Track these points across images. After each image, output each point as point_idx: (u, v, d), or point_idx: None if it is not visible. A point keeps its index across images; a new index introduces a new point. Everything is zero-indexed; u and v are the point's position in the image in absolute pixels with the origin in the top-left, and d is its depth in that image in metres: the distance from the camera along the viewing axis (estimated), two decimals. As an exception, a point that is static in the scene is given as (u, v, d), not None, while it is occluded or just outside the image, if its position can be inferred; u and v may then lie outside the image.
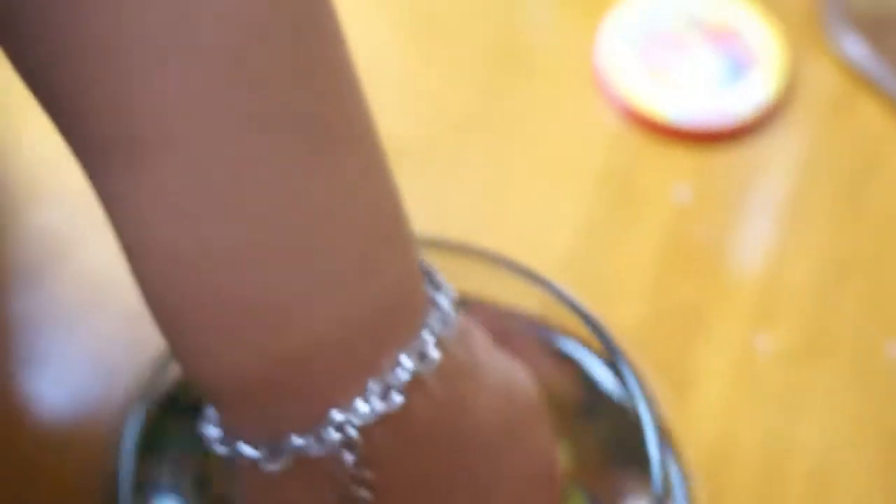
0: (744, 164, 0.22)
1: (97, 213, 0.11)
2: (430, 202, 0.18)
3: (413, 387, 0.11)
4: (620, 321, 0.18)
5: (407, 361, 0.11)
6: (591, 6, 0.24)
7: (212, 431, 0.12)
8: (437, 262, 0.13)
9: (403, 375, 0.11)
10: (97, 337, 0.19)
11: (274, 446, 0.11)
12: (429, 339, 0.12)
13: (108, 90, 0.10)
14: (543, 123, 0.24)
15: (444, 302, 0.12)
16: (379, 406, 0.11)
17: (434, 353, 0.11)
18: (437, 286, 0.12)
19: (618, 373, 0.17)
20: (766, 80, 0.24)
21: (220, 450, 0.12)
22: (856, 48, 0.24)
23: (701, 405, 0.19)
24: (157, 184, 0.10)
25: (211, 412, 0.12)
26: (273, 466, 0.11)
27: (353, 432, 0.11)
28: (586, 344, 0.17)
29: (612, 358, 0.17)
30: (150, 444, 0.15)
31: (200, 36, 0.10)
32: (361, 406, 0.11)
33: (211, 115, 0.10)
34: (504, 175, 0.21)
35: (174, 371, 0.15)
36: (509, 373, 0.14)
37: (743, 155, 0.22)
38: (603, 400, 0.17)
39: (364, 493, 0.12)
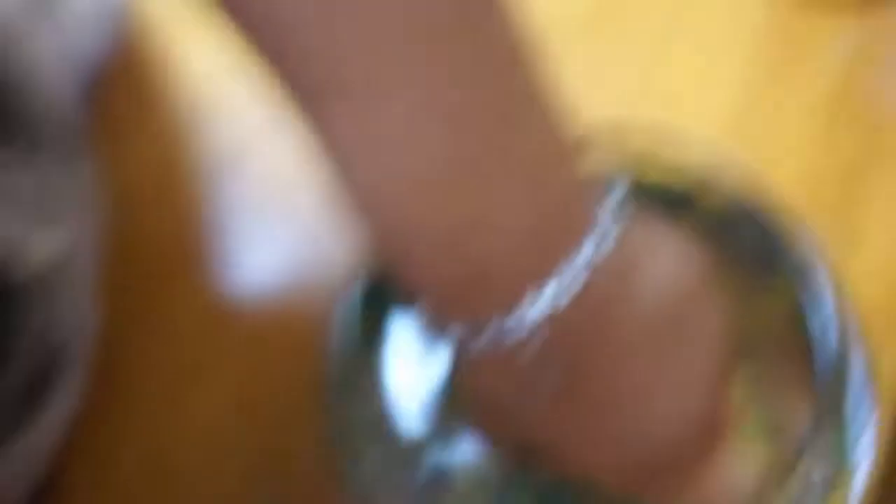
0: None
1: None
2: (597, 73, 0.18)
3: (589, 277, 0.13)
4: (786, 178, 0.18)
5: (586, 250, 0.13)
6: None
7: (422, 318, 0.14)
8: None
9: (580, 267, 0.13)
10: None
11: (475, 328, 0.13)
12: (602, 231, 0.13)
13: (329, 49, 0.12)
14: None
15: (612, 202, 0.13)
16: (560, 294, 0.13)
17: (607, 244, 0.13)
18: (610, 187, 0.13)
19: (787, 238, 0.17)
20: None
21: (432, 332, 0.14)
22: None
23: (869, 261, 0.19)
24: (373, 123, 0.12)
25: (420, 302, 0.14)
26: (475, 345, 0.13)
27: (538, 317, 0.12)
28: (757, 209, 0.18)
29: (784, 221, 0.17)
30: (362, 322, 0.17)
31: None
32: (545, 293, 0.12)
33: (408, 65, 0.12)
34: (665, 41, 0.21)
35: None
36: (677, 265, 0.15)
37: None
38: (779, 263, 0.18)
39: (548, 372, 0.13)
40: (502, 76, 0.13)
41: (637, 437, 0.14)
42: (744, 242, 0.18)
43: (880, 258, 0.20)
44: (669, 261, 0.14)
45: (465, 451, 0.16)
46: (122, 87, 0.24)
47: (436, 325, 0.14)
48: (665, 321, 0.14)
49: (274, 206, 0.21)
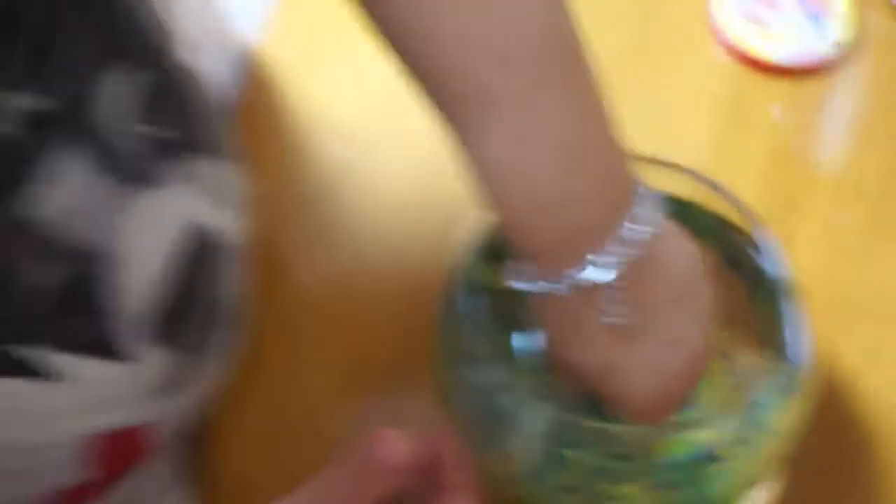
0: (825, 89, 0.31)
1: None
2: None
3: (639, 246, 0.20)
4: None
5: (640, 221, 0.20)
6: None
7: (520, 274, 0.22)
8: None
9: (638, 231, 0.20)
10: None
11: (563, 279, 0.21)
12: (649, 208, 0.21)
13: (468, 67, 0.19)
14: (672, 60, 0.32)
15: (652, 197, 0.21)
16: (620, 256, 0.20)
17: (654, 217, 0.21)
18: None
19: (751, 238, 0.25)
20: (840, 27, 0.32)
21: (528, 286, 0.21)
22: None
23: (801, 261, 0.28)
24: (495, 135, 0.20)
25: (518, 263, 0.21)
26: (563, 291, 0.21)
27: (607, 269, 0.20)
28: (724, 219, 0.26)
29: (751, 226, 0.25)
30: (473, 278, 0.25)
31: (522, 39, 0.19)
32: (610, 254, 0.20)
33: (530, 83, 0.19)
34: (644, 102, 0.29)
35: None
36: (687, 249, 0.22)
37: (823, 82, 0.31)
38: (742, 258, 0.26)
39: (616, 307, 0.21)
40: (597, 98, 0.20)
41: (663, 363, 0.22)
42: (727, 245, 0.26)
43: (807, 263, 0.28)
44: (682, 245, 0.22)
45: (537, 386, 0.24)
46: (250, 111, 0.31)
47: (531, 276, 0.21)
48: (682, 284, 0.22)
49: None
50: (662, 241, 0.21)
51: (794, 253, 0.28)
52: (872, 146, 0.30)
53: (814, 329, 0.23)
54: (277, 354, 0.28)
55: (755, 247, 0.25)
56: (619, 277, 0.20)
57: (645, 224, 0.20)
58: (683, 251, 0.22)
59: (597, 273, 0.20)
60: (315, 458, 0.19)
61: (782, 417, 0.23)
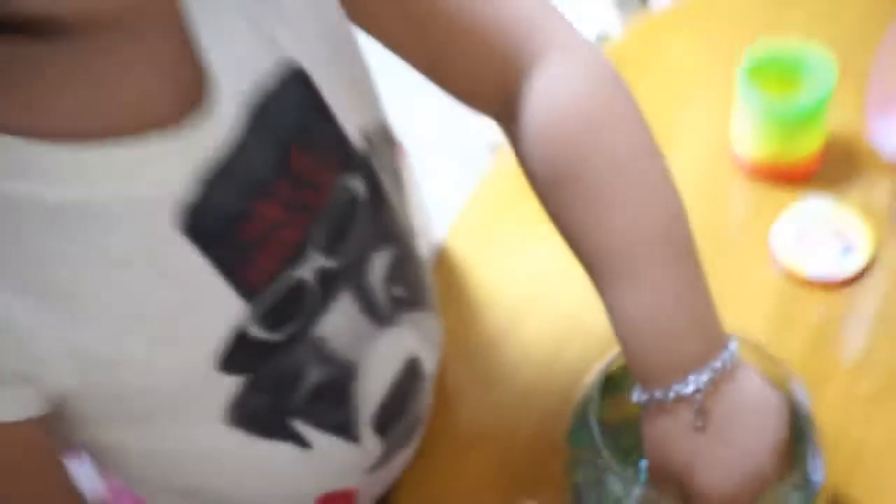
0: (853, 300, 0.42)
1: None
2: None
3: (726, 369, 0.31)
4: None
5: (725, 356, 0.32)
6: (769, 210, 0.47)
7: (638, 393, 0.33)
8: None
9: (724, 362, 0.31)
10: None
11: (667, 393, 0.31)
12: (731, 349, 0.32)
13: (618, 250, 0.33)
14: (735, 274, 0.45)
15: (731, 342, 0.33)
16: (710, 376, 0.31)
17: (727, 359, 0.32)
18: None
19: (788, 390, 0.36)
20: (863, 255, 0.44)
21: (642, 399, 0.33)
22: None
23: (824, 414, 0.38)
24: (634, 292, 0.33)
25: (639, 385, 0.33)
26: (666, 401, 0.32)
27: (701, 385, 0.31)
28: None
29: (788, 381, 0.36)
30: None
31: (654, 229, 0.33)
32: (705, 375, 0.31)
33: (661, 260, 0.32)
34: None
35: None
36: (761, 381, 0.33)
37: (851, 294, 0.43)
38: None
39: (699, 420, 0.32)
40: (700, 268, 0.33)
41: (735, 465, 0.32)
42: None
43: (829, 415, 0.39)
44: (752, 379, 0.33)
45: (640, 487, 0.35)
46: (443, 281, 0.45)
47: (647, 392, 0.32)
48: (750, 405, 0.32)
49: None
50: (738, 371, 0.32)
51: (819, 406, 0.39)
52: (885, 337, 0.41)
53: (828, 460, 0.34)
54: (446, 454, 0.40)
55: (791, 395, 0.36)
56: (707, 391, 0.31)
57: (728, 358, 0.32)
58: (754, 384, 0.33)
59: (693, 387, 0.31)
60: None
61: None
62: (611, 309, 0.34)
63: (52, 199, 0.27)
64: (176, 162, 0.28)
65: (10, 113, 0.27)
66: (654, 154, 0.35)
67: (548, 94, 0.35)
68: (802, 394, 0.35)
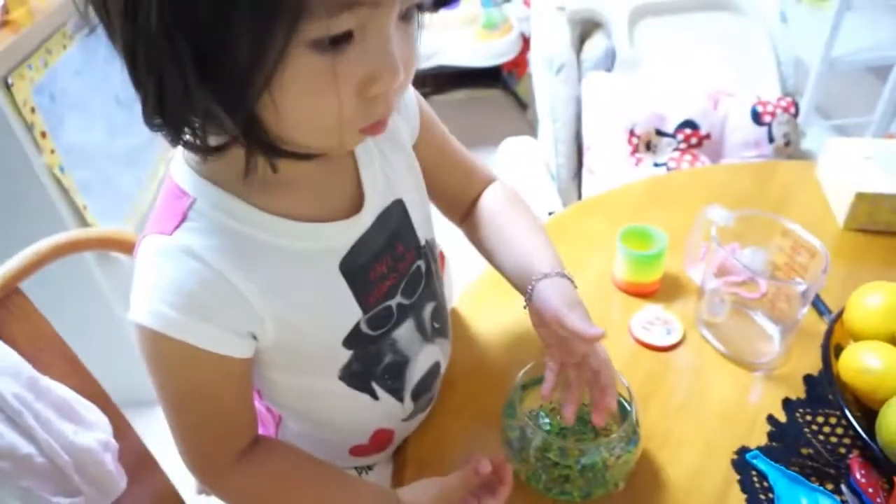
0: (671, 358, 0.77)
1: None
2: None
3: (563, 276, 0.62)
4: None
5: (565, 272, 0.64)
6: (629, 309, 0.83)
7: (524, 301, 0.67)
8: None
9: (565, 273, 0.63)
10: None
11: (536, 281, 0.63)
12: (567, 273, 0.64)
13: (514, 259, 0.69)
14: (609, 342, 0.80)
15: None
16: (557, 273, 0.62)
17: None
18: None
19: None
20: (678, 334, 0.80)
21: (527, 297, 0.67)
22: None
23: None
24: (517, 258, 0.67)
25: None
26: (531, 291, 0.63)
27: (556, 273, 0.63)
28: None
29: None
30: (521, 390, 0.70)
31: None
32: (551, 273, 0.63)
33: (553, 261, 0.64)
34: None
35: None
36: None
37: (670, 354, 0.78)
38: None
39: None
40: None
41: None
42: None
43: (654, 407, 0.72)
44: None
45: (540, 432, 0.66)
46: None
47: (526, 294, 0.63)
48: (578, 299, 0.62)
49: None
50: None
51: (645, 410, 0.72)
52: (688, 376, 0.76)
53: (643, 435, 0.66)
54: (444, 417, 0.72)
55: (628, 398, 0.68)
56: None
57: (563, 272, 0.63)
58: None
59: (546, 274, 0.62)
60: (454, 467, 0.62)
61: (627, 457, 0.64)
62: (501, 262, 0.67)
63: (283, 244, 0.52)
64: (344, 237, 0.55)
65: (265, 198, 0.51)
66: (534, 221, 0.69)
67: (485, 200, 0.72)
68: (633, 399, 0.66)
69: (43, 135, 1.23)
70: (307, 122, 0.44)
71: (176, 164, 0.52)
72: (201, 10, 0.38)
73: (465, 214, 0.74)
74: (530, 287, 0.61)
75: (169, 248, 0.49)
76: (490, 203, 0.72)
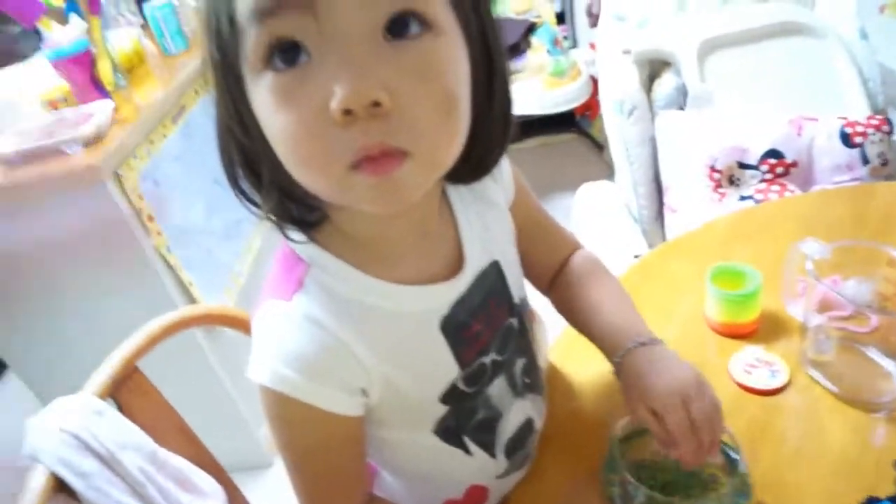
0: (777, 403, 0.73)
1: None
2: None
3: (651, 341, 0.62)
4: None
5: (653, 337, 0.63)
6: (727, 351, 0.80)
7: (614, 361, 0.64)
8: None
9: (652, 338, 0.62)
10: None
11: (625, 350, 0.63)
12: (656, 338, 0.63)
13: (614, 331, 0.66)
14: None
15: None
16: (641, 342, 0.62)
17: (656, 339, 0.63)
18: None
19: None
20: (784, 377, 0.76)
21: (615, 360, 0.64)
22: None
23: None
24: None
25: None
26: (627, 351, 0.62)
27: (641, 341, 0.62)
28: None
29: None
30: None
31: None
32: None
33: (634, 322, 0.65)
34: None
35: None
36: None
37: (776, 399, 0.74)
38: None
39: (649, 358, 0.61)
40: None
41: (667, 380, 0.57)
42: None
43: (765, 454, 0.67)
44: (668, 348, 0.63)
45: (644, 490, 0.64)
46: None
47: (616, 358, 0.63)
48: (671, 355, 0.61)
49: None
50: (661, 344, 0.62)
51: (754, 456, 0.68)
52: (795, 420, 0.71)
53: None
54: (543, 477, 0.72)
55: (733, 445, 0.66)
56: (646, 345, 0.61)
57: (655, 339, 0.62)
58: (671, 352, 0.62)
59: (637, 342, 0.61)
60: None
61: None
62: (590, 331, 0.67)
63: (392, 308, 0.54)
64: (445, 297, 0.56)
65: (372, 264, 0.53)
66: (619, 287, 0.70)
67: (572, 266, 0.73)
68: (740, 447, 0.63)
69: (150, 218, 1.33)
70: (286, 150, 0.44)
71: (293, 232, 0.54)
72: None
73: (550, 282, 0.74)
74: (617, 360, 0.62)
75: (289, 314, 0.52)
76: (577, 269, 0.73)
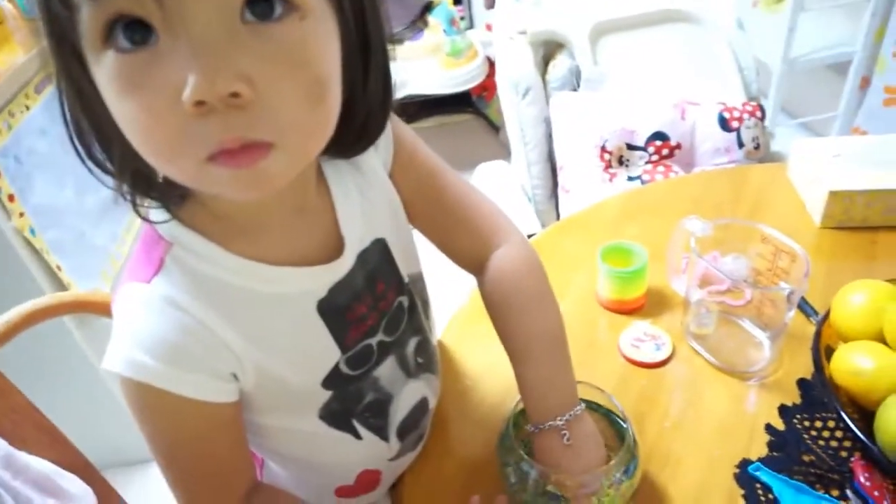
0: (662, 375, 0.76)
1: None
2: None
3: (576, 415, 0.60)
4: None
5: (575, 411, 0.61)
6: (617, 327, 0.82)
7: (531, 426, 0.62)
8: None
9: (575, 412, 0.60)
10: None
11: (545, 424, 0.61)
12: (579, 406, 0.62)
13: (521, 343, 0.64)
14: (598, 361, 0.79)
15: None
16: (568, 417, 0.60)
17: (577, 411, 0.62)
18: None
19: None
20: (667, 350, 0.79)
21: (533, 429, 0.64)
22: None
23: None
24: (532, 369, 0.64)
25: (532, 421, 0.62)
26: (545, 429, 0.60)
27: (562, 422, 0.60)
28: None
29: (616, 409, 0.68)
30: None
31: None
32: (565, 417, 0.60)
33: (546, 352, 0.63)
34: None
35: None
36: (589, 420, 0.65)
37: (661, 371, 0.77)
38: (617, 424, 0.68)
39: (565, 438, 0.59)
40: (566, 351, 0.63)
41: (585, 461, 0.59)
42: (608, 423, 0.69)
43: (649, 427, 0.70)
44: (589, 420, 0.63)
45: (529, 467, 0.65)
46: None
47: (535, 427, 0.61)
48: (588, 434, 0.61)
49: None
50: (581, 416, 0.59)
51: (641, 430, 0.71)
52: (679, 392, 0.75)
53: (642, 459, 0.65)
54: (435, 457, 0.71)
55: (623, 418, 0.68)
56: (566, 425, 0.58)
57: (578, 410, 0.59)
58: (589, 423, 0.60)
59: (560, 422, 0.58)
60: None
61: (628, 484, 0.63)
62: (518, 378, 0.62)
63: (262, 290, 0.51)
64: (322, 280, 0.54)
65: (241, 243, 0.50)
66: (550, 295, 0.64)
67: (499, 262, 0.65)
68: (628, 421, 0.65)
69: (10, 198, 1.21)
70: (135, 138, 0.40)
71: (154, 210, 0.50)
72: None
73: (477, 270, 0.68)
74: (534, 429, 0.61)
75: (147, 297, 0.48)
76: (506, 276, 0.65)
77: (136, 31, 0.37)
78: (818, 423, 0.69)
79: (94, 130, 0.44)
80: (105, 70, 0.38)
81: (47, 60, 0.42)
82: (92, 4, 0.37)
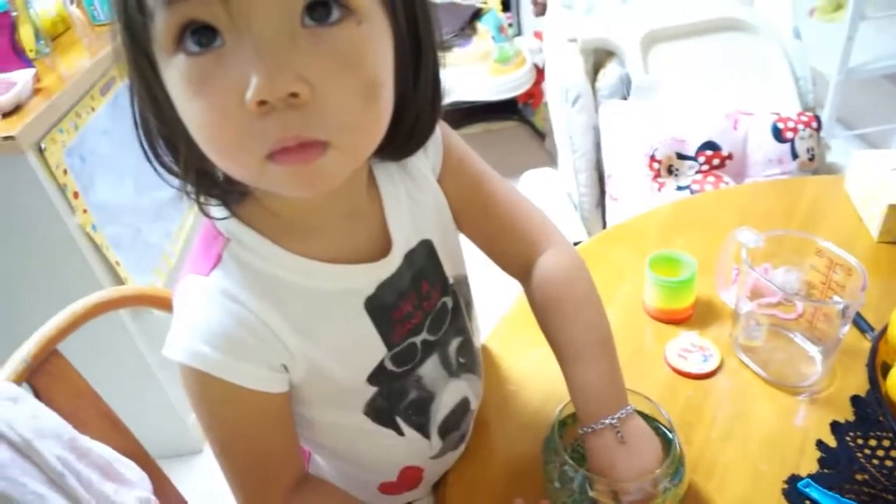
0: (709, 386, 0.75)
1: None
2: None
3: (627, 413, 0.59)
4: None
5: (627, 409, 0.59)
6: (663, 337, 0.82)
7: (582, 428, 0.61)
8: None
9: (626, 411, 0.59)
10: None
11: (597, 424, 0.59)
12: (628, 408, 0.62)
13: (570, 346, 0.63)
14: (645, 370, 0.79)
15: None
16: (620, 415, 0.58)
17: (628, 410, 0.62)
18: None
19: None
20: (715, 362, 0.78)
21: (585, 430, 0.62)
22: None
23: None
24: (583, 372, 0.61)
25: (581, 422, 0.61)
26: (597, 428, 0.59)
27: (615, 420, 0.59)
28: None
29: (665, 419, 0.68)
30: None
31: None
32: (617, 416, 0.59)
33: (596, 356, 0.62)
34: None
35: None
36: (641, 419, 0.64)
37: (708, 383, 0.76)
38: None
39: (619, 438, 0.59)
40: (615, 355, 0.62)
41: (639, 463, 0.58)
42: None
43: (696, 437, 0.69)
44: (641, 420, 0.63)
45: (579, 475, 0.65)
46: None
47: (587, 427, 0.61)
48: (643, 431, 0.61)
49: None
50: (633, 416, 0.58)
51: (687, 439, 0.70)
52: (727, 404, 0.74)
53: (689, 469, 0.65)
54: (478, 457, 0.71)
55: (669, 428, 0.67)
56: (617, 423, 0.58)
57: (628, 410, 0.58)
58: (641, 423, 0.59)
59: (610, 421, 0.57)
60: None
61: (674, 493, 0.63)
62: (567, 379, 0.61)
63: (312, 285, 0.53)
64: (371, 277, 0.55)
65: (295, 241, 0.52)
66: (597, 298, 0.64)
67: (547, 266, 0.65)
68: (674, 430, 0.63)
69: (75, 195, 1.26)
70: (201, 136, 0.42)
71: (214, 207, 0.53)
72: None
73: (523, 275, 0.68)
74: (588, 430, 0.60)
75: (206, 289, 0.50)
76: (554, 281, 0.65)
77: (203, 34, 0.39)
78: (872, 442, 0.67)
79: (162, 131, 0.47)
80: (175, 72, 0.41)
81: (121, 64, 0.45)
82: (166, 11, 0.39)
